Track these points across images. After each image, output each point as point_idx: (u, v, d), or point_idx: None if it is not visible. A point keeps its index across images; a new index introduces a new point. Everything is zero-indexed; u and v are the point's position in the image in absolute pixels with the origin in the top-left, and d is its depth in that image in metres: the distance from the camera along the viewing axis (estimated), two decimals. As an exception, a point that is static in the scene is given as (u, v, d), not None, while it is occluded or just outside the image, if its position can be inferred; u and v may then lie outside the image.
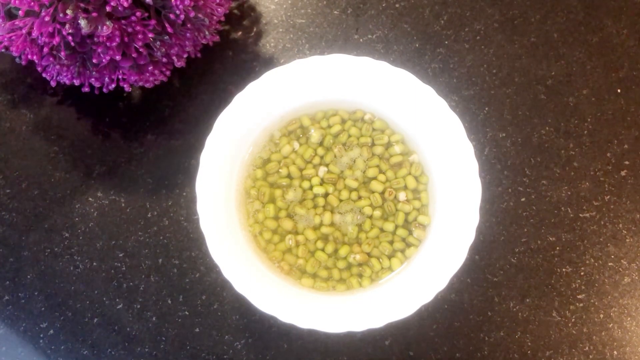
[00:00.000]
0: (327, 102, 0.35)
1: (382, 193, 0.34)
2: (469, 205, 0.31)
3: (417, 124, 0.34)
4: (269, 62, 0.42)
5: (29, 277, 0.39)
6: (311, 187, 0.34)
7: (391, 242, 0.34)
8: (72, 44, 0.34)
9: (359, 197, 0.34)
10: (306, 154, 0.35)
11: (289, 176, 0.35)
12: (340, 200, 0.34)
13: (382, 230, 0.34)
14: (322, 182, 0.34)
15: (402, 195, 0.34)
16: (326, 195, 0.34)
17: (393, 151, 0.35)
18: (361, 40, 0.42)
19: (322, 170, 0.34)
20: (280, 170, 0.35)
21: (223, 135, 0.33)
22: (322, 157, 0.35)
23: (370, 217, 0.34)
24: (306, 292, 0.33)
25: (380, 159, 0.35)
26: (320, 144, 0.35)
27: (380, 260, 0.34)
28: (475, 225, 0.31)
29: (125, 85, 0.38)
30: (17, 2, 0.32)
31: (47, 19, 0.32)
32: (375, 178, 0.34)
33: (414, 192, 0.34)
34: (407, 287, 0.32)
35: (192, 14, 0.35)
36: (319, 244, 0.34)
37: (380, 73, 0.33)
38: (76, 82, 0.38)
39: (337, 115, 0.35)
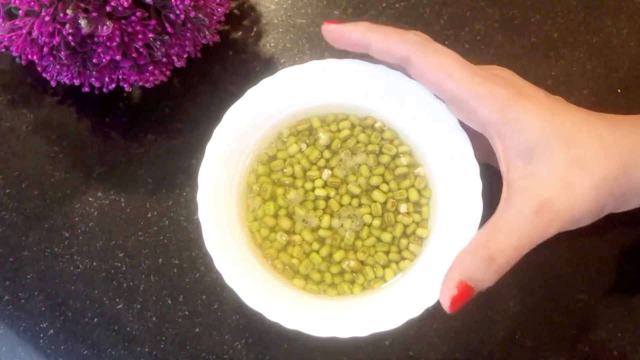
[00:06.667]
0: (339, 106, 0.35)
1: (384, 203, 0.34)
2: (468, 224, 0.31)
3: (426, 138, 0.34)
4: (269, 62, 0.42)
5: (29, 277, 0.39)
6: (313, 189, 0.34)
7: (387, 253, 0.33)
8: (72, 44, 0.34)
9: (360, 204, 0.34)
10: (312, 155, 0.35)
11: (293, 175, 0.35)
12: (341, 205, 0.34)
13: (379, 239, 0.34)
14: (325, 185, 0.34)
15: (403, 207, 0.34)
16: (327, 198, 0.34)
17: (399, 162, 0.34)
18: (361, 40, 0.42)
19: (327, 173, 0.34)
20: (284, 169, 0.35)
21: (231, 128, 0.33)
22: (327, 160, 0.35)
23: (369, 225, 0.34)
24: (296, 294, 0.33)
25: (385, 169, 0.34)
26: (328, 147, 0.35)
27: (374, 269, 0.33)
28: None
29: (125, 85, 0.38)
30: (17, 2, 0.32)
31: (47, 18, 0.32)
32: (378, 187, 0.34)
33: (415, 205, 0.34)
34: (397, 300, 0.32)
35: (192, 14, 0.35)
36: (315, 246, 0.34)
37: (394, 83, 0.33)
38: (76, 82, 0.38)
39: (348, 120, 0.35)
